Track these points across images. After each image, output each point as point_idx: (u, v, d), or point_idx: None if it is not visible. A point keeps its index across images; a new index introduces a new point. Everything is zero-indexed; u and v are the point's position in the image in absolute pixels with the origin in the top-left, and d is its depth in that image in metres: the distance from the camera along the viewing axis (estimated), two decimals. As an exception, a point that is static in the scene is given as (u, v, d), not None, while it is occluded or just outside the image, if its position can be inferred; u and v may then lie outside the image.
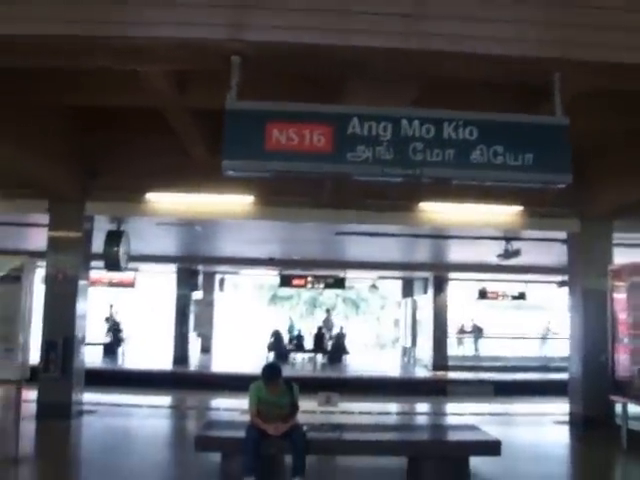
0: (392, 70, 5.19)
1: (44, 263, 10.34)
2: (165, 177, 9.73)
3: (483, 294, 23.95)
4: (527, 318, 30.65)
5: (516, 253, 13.04)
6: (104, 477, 6.99)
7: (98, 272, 15.79)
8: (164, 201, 10.19)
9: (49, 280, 10.26)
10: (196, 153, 8.90)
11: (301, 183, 8.45)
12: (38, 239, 11.60)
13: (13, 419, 7.44)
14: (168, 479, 7.40)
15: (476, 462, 7.20)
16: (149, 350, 23.66)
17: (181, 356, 21.02)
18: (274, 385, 6.62)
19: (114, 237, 10.79)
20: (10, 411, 11.07)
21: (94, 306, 13.70)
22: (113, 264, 10.89)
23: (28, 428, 8.42)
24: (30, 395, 8.16)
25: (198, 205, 10.16)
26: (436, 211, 10.51)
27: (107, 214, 10.83)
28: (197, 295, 23.55)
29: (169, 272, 23.10)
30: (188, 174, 9.48)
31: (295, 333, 25.31)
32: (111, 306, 24.78)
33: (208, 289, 24.80)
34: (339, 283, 22.94)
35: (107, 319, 23.85)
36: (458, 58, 4.86)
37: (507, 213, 10.50)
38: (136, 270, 21.93)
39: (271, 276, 25.18)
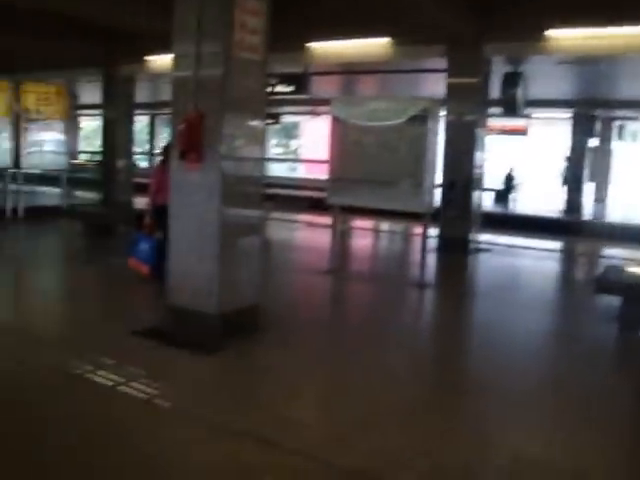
0: None
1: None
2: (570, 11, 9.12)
3: None
4: None
5: None
6: (498, 307, 7.41)
7: (491, 119, 15.91)
8: (565, 37, 9.62)
9: (449, 126, 10.72)
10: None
11: None
12: (434, 87, 12.07)
13: (420, 250, 8.23)
14: (564, 317, 7.53)
15: None
16: (540, 197, 23.54)
17: (573, 204, 20.50)
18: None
19: (512, 79, 10.67)
20: (409, 244, 12.27)
21: (488, 153, 13.98)
22: (511, 107, 10.85)
23: (430, 260, 9.24)
24: (431, 231, 8.85)
25: (603, 40, 9.38)
26: None
27: (504, 55, 10.66)
28: (593, 143, 22.30)
29: (563, 119, 22.19)
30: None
31: None
32: (506, 156, 24.83)
33: (605, 137, 23.26)
34: None
35: (507, 176, 23.90)
36: None
37: None
38: (529, 117, 21.55)
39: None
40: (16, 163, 13.18)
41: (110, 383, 4.51)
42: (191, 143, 5.34)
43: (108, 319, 6.40)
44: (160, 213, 6.50)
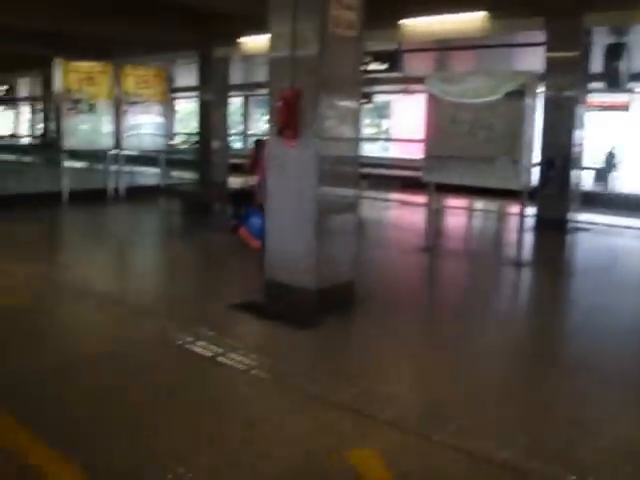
0: None
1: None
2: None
3: None
4: None
5: None
6: (598, 287, 7.15)
7: (591, 95, 15.28)
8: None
9: (548, 101, 10.38)
10: None
11: None
12: (530, 61, 11.68)
13: (517, 229, 8.04)
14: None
15: None
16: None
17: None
18: None
19: (615, 51, 10.20)
20: (504, 223, 12.01)
21: (588, 130, 13.46)
22: (613, 81, 10.39)
23: (527, 239, 9.01)
24: (528, 210, 8.64)
25: None
26: None
27: (606, 25, 10.18)
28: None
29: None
30: None
31: None
32: (606, 134, 23.80)
33: None
34: None
35: (609, 154, 22.90)
36: None
37: None
38: (632, 91, 20.53)
39: None
40: (117, 145, 13.71)
41: (209, 354, 4.67)
42: (288, 120, 5.40)
43: (207, 293, 6.61)
44: None
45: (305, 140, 5.42)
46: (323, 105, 5.40)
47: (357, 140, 5.90)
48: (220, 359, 4.58)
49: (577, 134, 10.40)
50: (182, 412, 3.76)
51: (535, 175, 9.63)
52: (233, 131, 28.55)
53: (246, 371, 4.39)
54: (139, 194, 13.69)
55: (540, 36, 10.50)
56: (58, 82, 12.82)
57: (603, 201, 15.75)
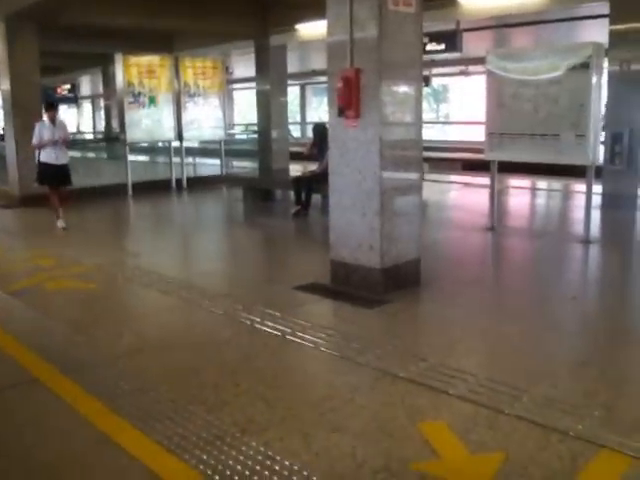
0: None
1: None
2: None
3: None
4: None
5: None
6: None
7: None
8: None
9: (613, 75, 10.06)
10: None
11: None
12: (592, 35, 11.34)
13: (585, 205, 7.83)
14: None
15: None
16: None
17: None
18: None
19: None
20: (570, 201, 11.72)
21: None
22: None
23: (595, 216, 8.79)
24: (594, 187, 8.42)
25: None
26: None
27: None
28: None
29: None
30: None
31: None
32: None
33: None
34: None
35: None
36: None
37: None
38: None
39: None
40: (179, 136, 13.95)
41: (277, 333, 4.74)
42: (349, 100, 5.41)
43: (273, 276, 6.70)
44: None
45: (366, 119, 5.41)
46: (384, 84, 5.38)
47: (419, 121, 5.85)
48: (289, 337, 4.65)
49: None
50: (255, 387, 3.83)
51: (602, 152, 9.36)
52: (291, 120, 28.76)
53: (315, 348, 4.44)
54: (201, 184, 13.92)
55: (603, 8, 10.17)
56: (119, 76, 13.13)
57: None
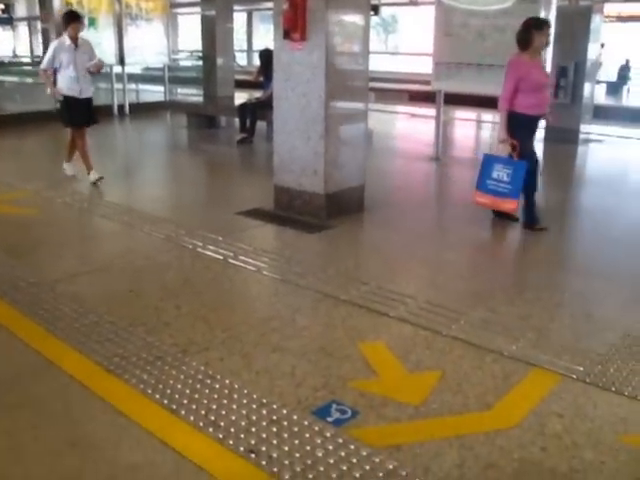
0: None
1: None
2: None
3: None
4: None
5: None
6: (606, 195, 7.10)
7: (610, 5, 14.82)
8: None
9: (561, 9, 10.03)
10: None
11: None
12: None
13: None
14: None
15: None
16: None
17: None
18: None
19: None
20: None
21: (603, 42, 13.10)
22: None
23: (538, 149, 8.89)
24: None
25: None
26: None
27: None
28: None
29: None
30: None
31: None
32: (602, 45, 23.18)
33: None
34: None
35: (622, 67, 22.33)
36: None
37: None
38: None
39: None
40: (120, 61, 13.43)
41: (219, 257, 4.71)
42: (295, 22, 5.27)
43: (217, 201, 6.62)
44: None
45: (312, 41, 5.29)
46: (331, 7, 5.24)
47: (366, 49, 5.73)
48: (231, 261, 4.63)
49: (591, 46, 10.11)
50: (196, 309, 3.82)
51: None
52: (237, 48, 28.01)
53: (257, 272, 4.43)
54: (144, 111, 13.51)
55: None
56: (56, -2, 12.45)
57: (615, 114, 15.50)
